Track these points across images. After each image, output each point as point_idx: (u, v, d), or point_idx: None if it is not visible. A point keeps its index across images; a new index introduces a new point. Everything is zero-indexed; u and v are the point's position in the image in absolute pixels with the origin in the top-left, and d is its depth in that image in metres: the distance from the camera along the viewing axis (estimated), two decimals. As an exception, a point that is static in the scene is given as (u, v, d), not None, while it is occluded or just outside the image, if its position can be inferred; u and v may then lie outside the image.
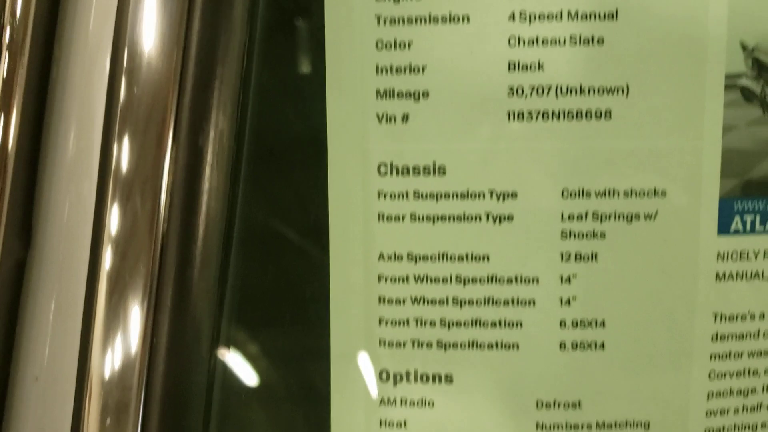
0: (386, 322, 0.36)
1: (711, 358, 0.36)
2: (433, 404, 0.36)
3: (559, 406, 0.36)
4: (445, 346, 0.36)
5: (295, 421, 0.40)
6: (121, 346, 0.34)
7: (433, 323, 0.36)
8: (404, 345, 0.36)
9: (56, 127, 0.36)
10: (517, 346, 0.36)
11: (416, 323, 0.36)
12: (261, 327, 0.39)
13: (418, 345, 0.36)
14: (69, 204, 0.36)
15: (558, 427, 0.36)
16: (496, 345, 0.36)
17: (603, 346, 0.36)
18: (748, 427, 0.37)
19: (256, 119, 0.37)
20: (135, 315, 0.34)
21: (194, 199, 0.34)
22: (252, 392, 0.39)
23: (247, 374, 0.38)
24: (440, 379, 0.36)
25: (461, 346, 0.36)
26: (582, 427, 0.36)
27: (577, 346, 0.36)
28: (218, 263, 0.35)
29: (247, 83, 0.36)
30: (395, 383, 0.37)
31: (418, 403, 0.36)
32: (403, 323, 0.36)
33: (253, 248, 0.38)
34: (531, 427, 0.36)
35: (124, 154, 0.34)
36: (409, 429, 0.37)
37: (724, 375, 0.36)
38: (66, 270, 0.35)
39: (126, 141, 0.34)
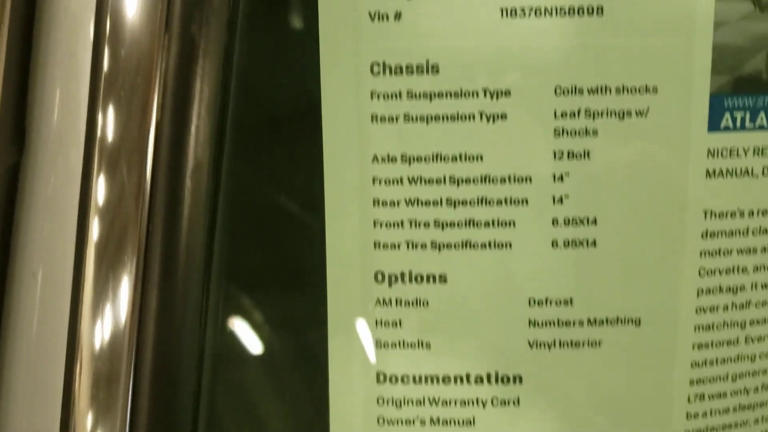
0: (381, 224, 0.37)
1: (701, 255, 0.37)
2: (427, 304, 0.37)
3: (551, 303, 0.37)
4: (439, 246, 0.37)
5: (290, 386, 0.40)
6: (111, 316, 0.34)
7: (427, 224, 0.36)
8: (399, 246, 0.37)
9: (41, 96, 0.36)
10: (510, 245, 0.36)
11: (410, 225, 0.37)
12: (253, 290, 0.39)
13: (413, 246, 0.37)
14: (55, 176, 0.36)
15: (550, 324, 0.37)
16: (489, 245, 0.36)
17: (594, 243, 0.36)
18: (737, 324, 0.38)
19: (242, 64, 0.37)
20: (124, 284, 0.34)
21: (180, 166, 0.34)
22: (243, 358, 0.39)
23: (238, 341, 0.39)
24: (434, 279, 0.37)
25: (455, 246, 0.36)
26: (573, 324, 0.37)
27: (569, 244, 0.36)
28: (205, 230, 0.35)
29: (232, 44, 0.36)
30: (390, 284, 0.37)
31: (412, 303, 0.37)
32: (398, 225, 0.37)
33: (243, 208, 0.38)
34: (523, 325, 0.37)
35: (109, 122, 0.34)
36: (404, 328, 0.37)
37: (714, 272, 0.37)
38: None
39: (111, 109, 0.34)
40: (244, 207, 0.38)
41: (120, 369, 0.34)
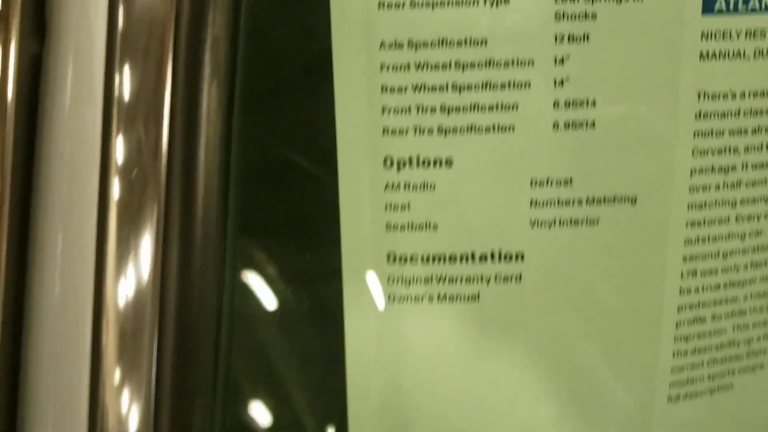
0: (389, 111, 0.38)
1: (694, 135, 0.39)
2: (434, 187, 0.39)
3: (551, 183, 0.38)
4: (445, 131, 0.38)
5: (306, 341, 0.42)
6: (134, 274, 0.35)
7: (433, 109, 0.38)
8: (406, 132, 0.38)
9: (55, 57, 0.37)
10: (513, 128, 0.38)
11: (417, 110, 0.38)
12: (267, 242, 0.41)
13: (420, 131, 0.38)
14: (71, 138, 0.36)
15: (551, 204, 0.39)
16: (493, 128, 0.38)
17: (593, 125, 0.38)
18: (729, 203, 0.40)
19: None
20: (145, 243, 0.35)
21: (195, 123, 0.35)
22: (259, 309, 0.41)
23: (253, 293, 0.40)
24: (440, 163, 0.39)
25: (460, 130, 0.38)
26: (573, 203, 0.39)
27: (569, 125, 0.38)
28: (221, 185, 0.36)
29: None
30: (399, 169, 0.39)
31: (420, 187, 0.39)
32: (405, 111, 0.38)
33: (254, 161, 0.39)
34: (525, 205, 0.39)
35: (125, 81, 0.35)
36: (412, 211, 0.39)
37: (707, 152, 0.39)
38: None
39: (126, 68, 0.35)
40: (254, 159, 0.40)
41: (144, 325, 0.35)
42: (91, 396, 0.35)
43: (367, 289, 0.40)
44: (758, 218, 0.41)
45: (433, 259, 0.39)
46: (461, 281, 0.39)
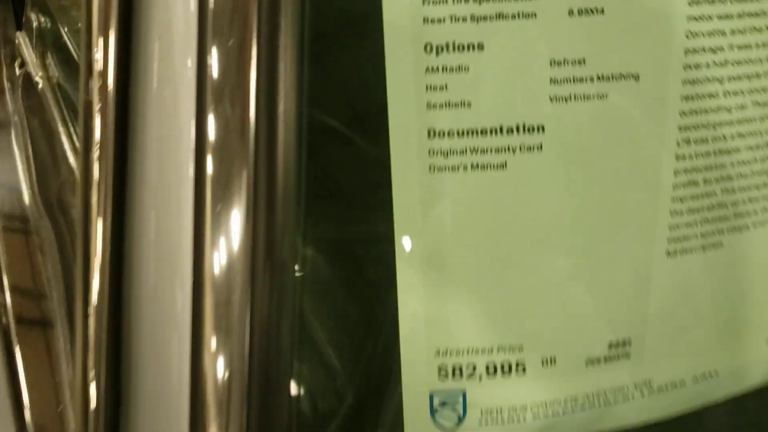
0: (429, 2, 0.45)
1: (687, 19, 0.45)
2: (468, 69, 0.45)
3: (567, 63, 0.45)
4: (477, 19, 0.45)
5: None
6: (226, 246, 0.38)
7: (467, 0, 0.45)
8: (444, 20, 0.45)
9: (145, 41, 0.40)
10: (535, 15, 0.45)
11: (453, 1, 0.45)
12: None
13: (455, 20, 0.45)
14: (159, 117, 0.40)
15: (567, 81, 0.45)
16: (518, 15, 0.45)
17: (603, 11, 0.45)
18: (717, 80, 0.47)
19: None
20: (236, 216, 0.38)
21: (276, 96, 0.38)
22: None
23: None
24: (473, 48, 0.45)
25: (490, 18, 0.45)
26: (586, 80, 0.45)
27: (582, 12, 0.45)
28: (297, 154, 0.40)
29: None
30: (437, 54, 0.45)
31: (456, 69, 0.45)
32: (443, 2, 0.45)
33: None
34: (545, 83, 0.45)
35: (214, 60, 0.38)
36: (449, 91, 0.45)
37: (698, 35, 0.46)
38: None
39: (215, 47, 0.38)
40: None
41: (237, 294, 0.38)
42: (193, 360, 0.39)
43: (411, 162, 0.46)
44: (743, 93, 0.47)
45: (467, 133, 0.46)
46: (491, 152, 0.46)
